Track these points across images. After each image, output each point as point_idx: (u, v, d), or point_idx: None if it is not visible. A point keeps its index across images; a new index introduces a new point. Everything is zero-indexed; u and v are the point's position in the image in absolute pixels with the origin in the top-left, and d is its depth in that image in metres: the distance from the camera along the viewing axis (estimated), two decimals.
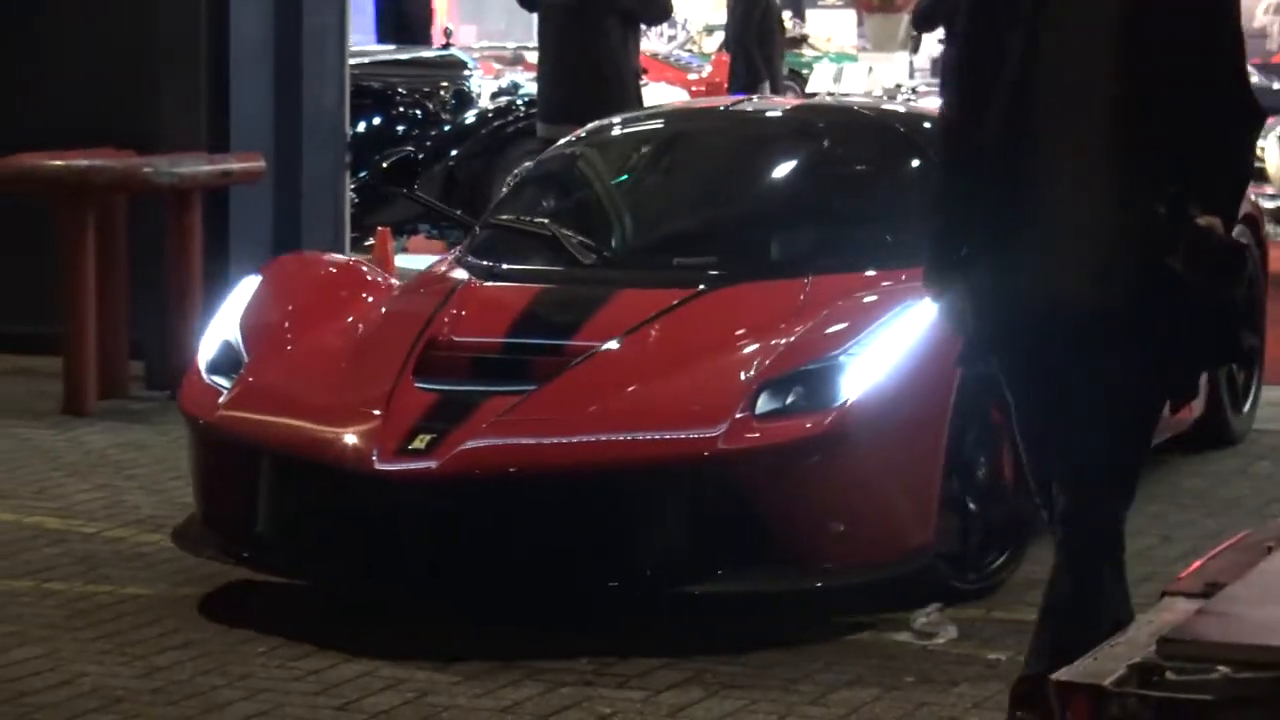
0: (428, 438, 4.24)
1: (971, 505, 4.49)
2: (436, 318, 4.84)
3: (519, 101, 11.30)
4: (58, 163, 6.95)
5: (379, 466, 4.22)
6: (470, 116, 11.09)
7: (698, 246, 5.28)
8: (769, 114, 6.47)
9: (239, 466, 4.57)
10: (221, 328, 5.04)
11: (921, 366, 4.27)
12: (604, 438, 4.26)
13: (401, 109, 10.71)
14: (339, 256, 5.86)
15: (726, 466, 4.15)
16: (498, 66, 17.21)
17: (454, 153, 10.72)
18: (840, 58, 20.10)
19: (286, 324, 5.07)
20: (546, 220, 5.39)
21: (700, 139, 6.10)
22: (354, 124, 8.84)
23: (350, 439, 4.34)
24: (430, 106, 10.82)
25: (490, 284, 5.16)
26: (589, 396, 4.41)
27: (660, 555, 4.23)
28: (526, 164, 6.88)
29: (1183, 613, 2.58)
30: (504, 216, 5.61)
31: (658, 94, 15.75)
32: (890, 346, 4.29)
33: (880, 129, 5.99)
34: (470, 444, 4.23)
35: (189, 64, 7.71)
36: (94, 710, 3.70)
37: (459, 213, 6.94)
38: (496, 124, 11.05)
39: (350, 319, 5.03)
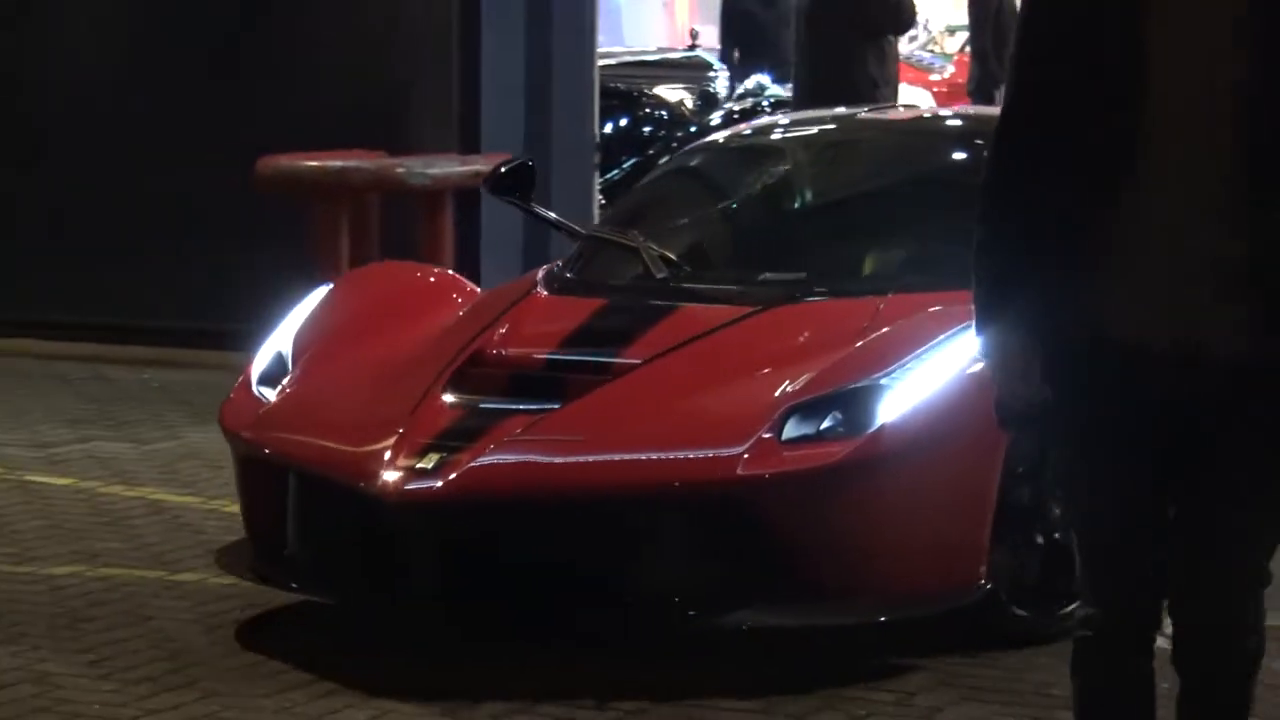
0: (437, 457, 4.10)
1: (1043, 541, 4.21)
2: (489, 330, 4.71)
3: (764, 103, 11.44)
4: (314, 163, 7.19)
5: (382, 486, 4.09)
6: (715, 117, 11.12)
7: (778, 261, 5.03)
8: (879, 128, 6.09)
9: (270, 483, 4.47)
10: (278, 338, 4.94)
11: (975, 389, 3.84)
12: (616, 458, 4.06)
13: (648, 110, 10.87)
14: (428, 266, 5.75)
15: (744, 493, 3.91)
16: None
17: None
18: None
19: (342, 335, 4.96)
20: (633, 232, 5.18)
21: (804, 152, 5.82)
22: (601, 125, 8.99)
23: (364, 456, 4.22)
24: (676, 108, 10.94)
25: (558, 296, 4.98)
26: (610, 416, 4.22)
27: (666, 586, 4.03)
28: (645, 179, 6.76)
29: None
30: (601, 227, 5.51)
31: (900, 95, 15.85)
32: (940, 368, 4.02)
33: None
34: (476, 464, 4.07)
35: (441, 67, 7.94)
36: None
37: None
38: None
39: (416, 331, 4.90)
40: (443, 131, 7.93)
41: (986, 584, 3.99)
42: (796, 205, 5.59)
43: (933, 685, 3.81)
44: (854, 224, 5.35)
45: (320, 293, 5.19)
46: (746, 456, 3.87)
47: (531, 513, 4.08)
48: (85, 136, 8.70)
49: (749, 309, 4.58)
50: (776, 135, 6.07)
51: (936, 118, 6.15)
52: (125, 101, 8.74)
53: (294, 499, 4.37)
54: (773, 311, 4.56)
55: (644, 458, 4.07)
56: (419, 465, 4.06)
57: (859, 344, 4.21)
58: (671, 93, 11.13)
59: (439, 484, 4.01)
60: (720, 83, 11.95)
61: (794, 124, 6.23)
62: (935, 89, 21.80)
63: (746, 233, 5.48)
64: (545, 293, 4.97)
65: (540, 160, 7.61)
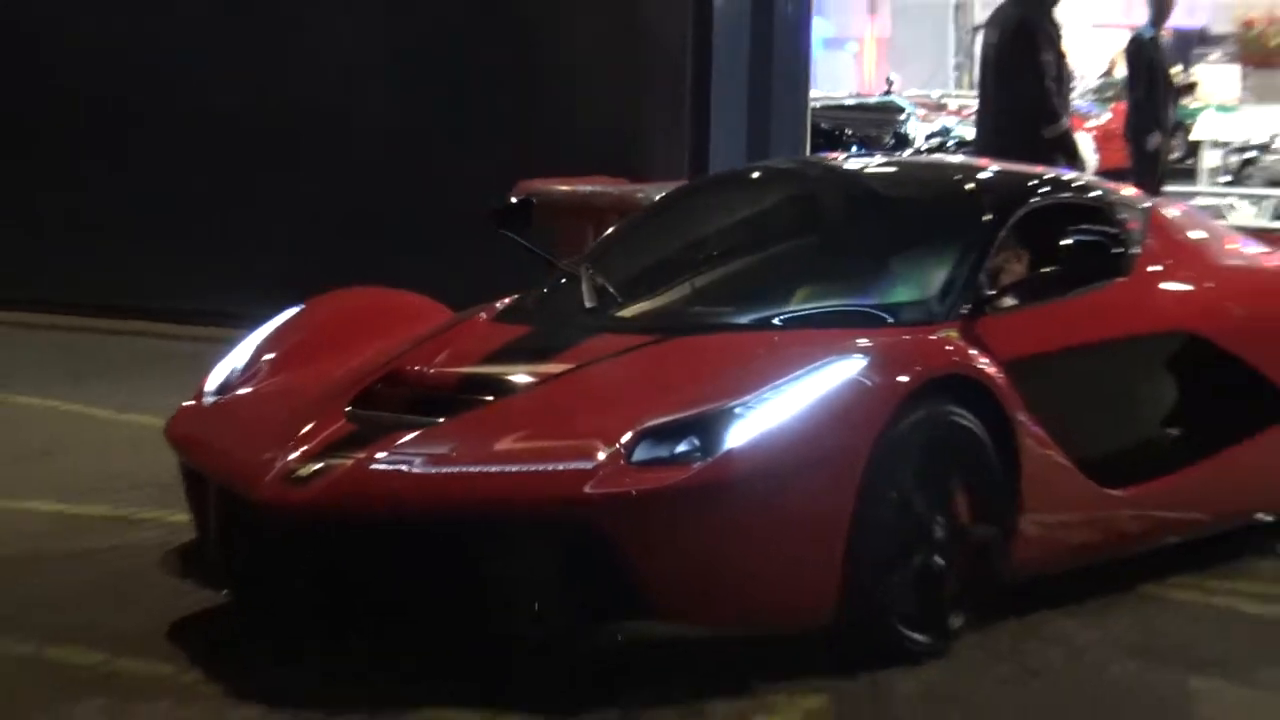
0: (316, 466, 4.21)
1: (932, 562, 4.25)
2: (414, 351, 4.86)
3: (950, 143, 12.25)
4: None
5: (260, 492, 4.20)
6: (908, 154, 12.23)
7: (705, 297, 5.18)
8: (821, 180, 6.07)
9: (195, 488, 4.64)
10: (237, 352, 5.12)
11: (829, 419, 4.05)
12: (472, 472, 4.10)
13: (849, 148, 11.84)
14: (401, 292, 5.78)
15: (589, 511, 3.92)
16: (922, 112, 18.46)
17: None
18: (1223, 109, 20.93)
19: (290, 354, 5.09)
20: (585, 265, 5.37)
21: (749, 198, 5.99)
22: None
23: (256, 464, 4.29)
24: (873, 146, 11.76)
25: (493, 322, 5.17)
26: (481, 434, 4.27)
27: (533, 599, 4.04)
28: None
29: None
30: (564, 260, 5.68)
31: None
32: (797, 398, 4.06)
33: (901, 188, 5.81)
34: (345, 474, 4.15)
35: (676, 107, 8.81)
36: None
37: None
38: None
39: (359, 351, 4.99)
40: (675, 162, 8.70)
41: (838, 605, 4.02)
42: (727, 247, 5.65)
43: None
44: (773, 267, 5.48)
45: (287, 313, 5.38)
46: (594, 475, 3.92)
47: (395, 527, 4.13)
48: (359, 157, 9.67)
49: (648, 339, 4.68)
50: (734, 184, 6.29)
51: (871, 172, 6.11)
52: (399, 127, 9.72)
53: (211, 504, 4.50)
54: (670, 342, 4.66)
55: (498, 472, 4.10)
56: (299, 474, 4.17)
57: (723, 373, 4.31)
58: (869, 131, 12.00)
59: (308, 492, 4.11)
60: (912, 123, 12.77)
61: (752, 174, 6.40)
62: (1093, 133, 22.41)
63: (682, 269, 5.49)
64: (485, 318, 5.18)
65: None
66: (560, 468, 4.02)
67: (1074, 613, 4.85)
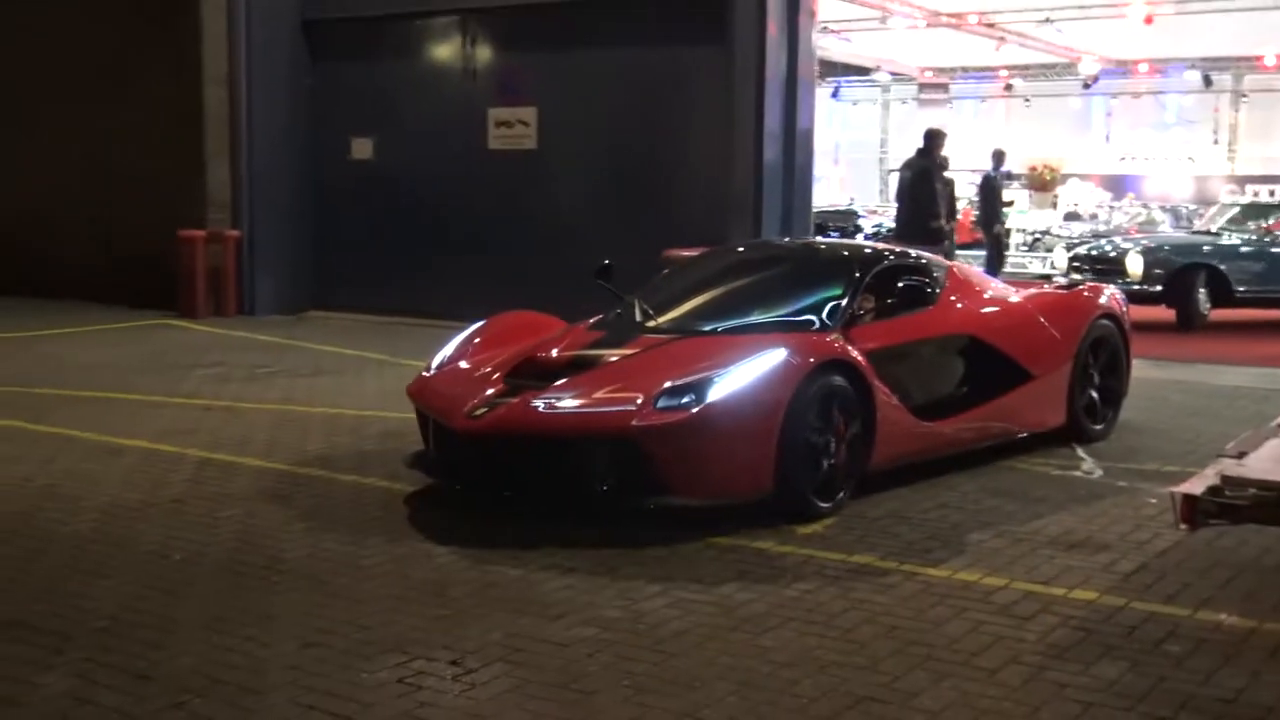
0: (483, 410, 6.49)
1: (825, 462, 6.51)
2: (544, 345, 7.14)
3: (882, 230, 17.12)
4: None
5: (455, 423, 6.54)
6: (860, 237, 16.93)
7: (708, 316, 7.46)
8: (770, 249, 9.26)
9: (423, 420, 7.09)
10: (448, 345, 7.48)
11: (763, 381, 6.28)
12: (572, 412, 6.29)
13: (826, 232, 16.59)
14: (541, 314, 7.90)
15: (635, 434, 6.09)
16: (865, 215, 23.50)
17: None
18: (1021, 212, 30.87)
19: (476, 347, 7.36)
20: (637, 296, 7.78)
21: (737, 260, 8.73)
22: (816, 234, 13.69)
23: (452, 409, 6.61)
24: (842, 233, 16.66)
25: (589, 329, 7.48)
26: (574, 390, 6.43)
27: (603, 481, 6.25)
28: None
29: (1231, 464, 5.05)
30: (629, 294, 7.89)
31: None
32: (745, 370, 6.28)
33: (813, 256, 8.44)
34: (498, 414, 6.39)
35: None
36: None
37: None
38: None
39: (514, 347, 7.18)
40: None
41: (774, 487, 6.28)
42: (718, 287, 8.00)
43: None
44: (742, 298, 7.81)
45: (477, 324, 7.73)
46: (636, 414, 6.14)
47: (529, 440, 6.34)
48: (553, 227, 13.84)
49: (669, 338, 7.07)
50: (729, 251, 9.16)
51: (799, 247, 9.23)
52: (582, 206, 13.82)
53: (431, 430, 6.96)
54: (682, 340, 7.01)
55: (585, 411, 6.28)
56: (475, 413, 6.49)
57: (708, 357, 6.49)
58: (840, 224, 17.04)
59: (481, 423, 6.42)
60: (861, 221, 18.01)
61: (739, 247, 9.52)
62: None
63: (692, 299, 7.79)
64: (583, 327, 7.54)
65: None
66: (618, 410, 6.20)
67: (954, 475, 7.50)
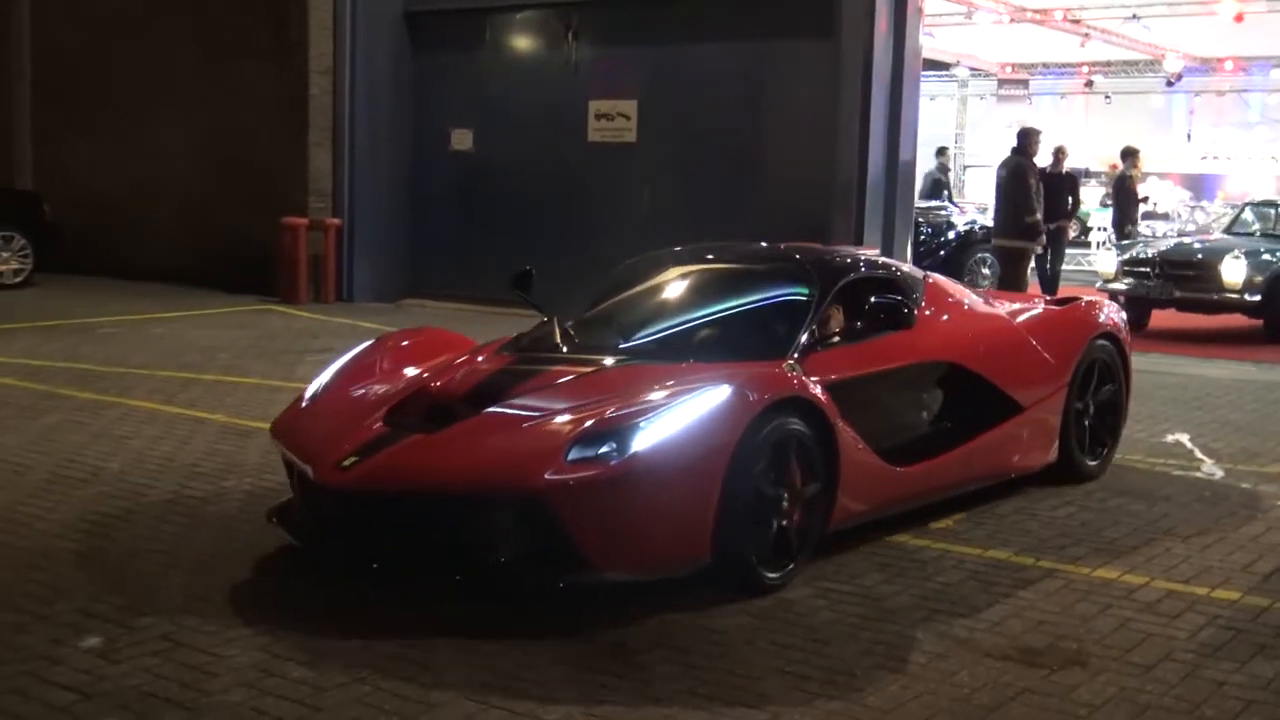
0: (353, 459, 5.22)
1: (777, 523, 5.30)
2: (438, 374, 5.92)
3: (976, 227, 16.97)
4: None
5: (318, 476, 5.24)
6: (952, 234, 16.92)
7: (626, 339, 6.29)
8: (710, 256, 7.19)
9: (288, 467, 5.71)
10: (327, 371, 6.22)
11: (700, 429, 5.04)
12: (455, 468, 5.02)
13: (929, 229, 16.51)
14: (447, 332, 6.81)
15: (540, 495, 4.83)
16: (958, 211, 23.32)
17: (942, 253, 16.55)
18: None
19: (363, 372, 6.11)
20: (558, 316, 6.49)
21: (671, 272, 6.98)
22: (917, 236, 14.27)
23: (319, 456, 5.31)
24: (934, 230, 16.65)
25: (496, 354, 6.18)
26: (466, 437, 5.20)
27: (500, 552, 5.00)
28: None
29: None
30: (550, 312, 6.59)
31: None
32: (679, 415, 5.03)
33: (769, 266, 6.88)
34: (370, 467, 5.14)
35: (846, 205, 12.60)
36: None
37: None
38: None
39: (403, 374, 6.02)
40: (845, 234, 12.30)
41: (713, 556, 5.06)
42: (649, 304, 6.76)
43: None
44: (676, 317, 6.54)
45: (367, 344, 6.51)
46: (542, 467, 4.86)
47: (408, 500, 5.08)
48: (643, 221, 13.82)
49: (591, 368, 5.78)
50: (660, 260, 7.09)
51: (745, 255, 7.18)
52: (673, 205, 13.78)
53: (296, 479, 5.59)
54: (606, 372, 5.75)
55: (477, 465, 5.01)
56: (343, 463, 5.21)
57: (633, 395, 5.24)
58: (933, 220, 16.94)
59: (347, 476, 5.16)
60: (955, 216, 17.85)
61: (673, 254, 7.14)
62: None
63: (621, 319, 6.63)
64: (490, 352, 6.24)
65: (886, 250, 12.35)
66: (518, 462, 4.97)
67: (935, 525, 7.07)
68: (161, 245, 17.15)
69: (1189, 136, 42.02)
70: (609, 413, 5.12)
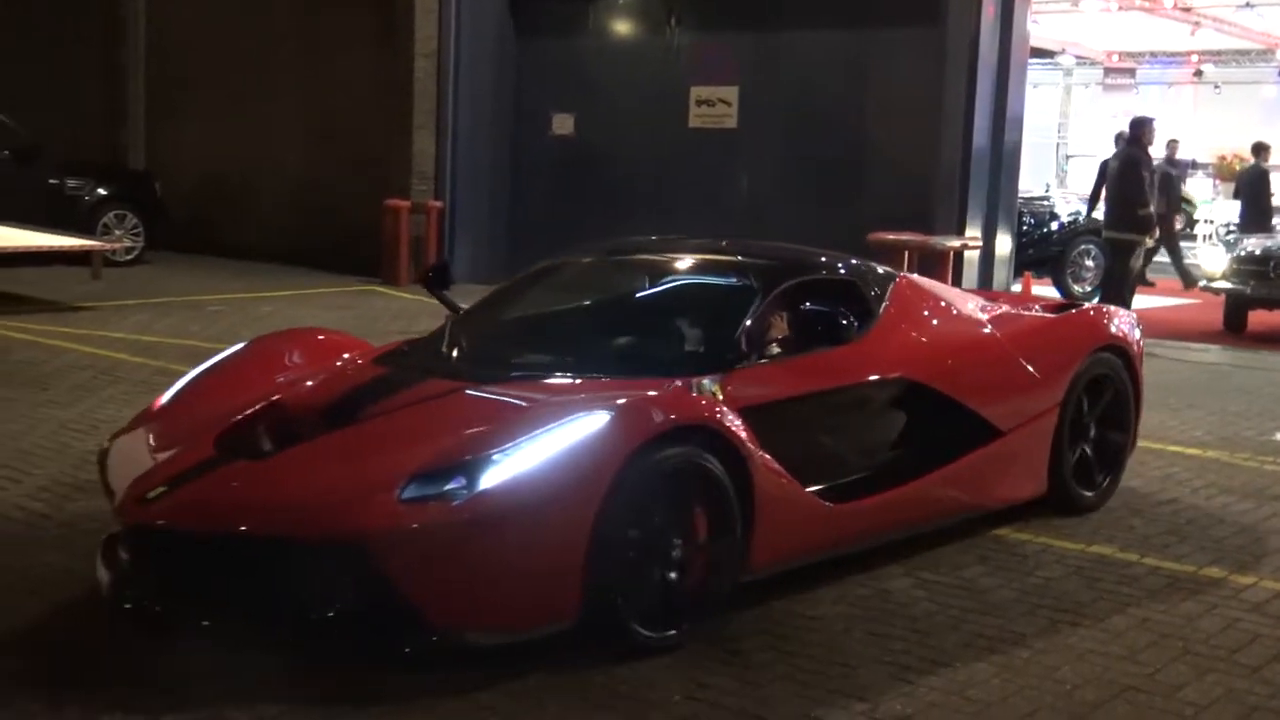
0: (161, 490, 4.38)
1: (666, 575, 4.48)
2: (295, 386, 5.13)
3: (1079, 219, 16.69)
4: (892, 237, 11.86)
5: (120, 508, 4.46)
6: (1055, 225, 16.55)
7: (513, 351, 5.45)
8: (637, 256, 6.41)
9: (110, 498, 4.66)
10: (184, 379, 5.40)
11: (568, 463, 4.21)
12: (283, 501, 4.22)
13: (1031, 220, 16.14)
14: (326, 333, 6.04)
15: (365, 541, 4.03)
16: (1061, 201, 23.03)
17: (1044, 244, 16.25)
18: (1204, 204, 28.78)
19: (219, 382, 5.28)
20: (452, 320, 5.63)
21: (579, 278, 6.36)
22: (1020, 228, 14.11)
23: (130, 483, 4.48)
24: (1036, 219, 16.33)
25: (371, 363, 5.39)
26: (288, 468, 4.41)
27: (328, 606, 4.12)
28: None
29: None
30: (451, 315, 5.77)
31: None
32: (543, 447, 4.22)
33: (700, 267, 6.07)
34: (178, 502, 4.33)
35: (950, 193, 12.52)
36: None
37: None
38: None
39: (269, 385, 5.16)
40: (949, 225, 12.33)
41: (580, 614, 4.23)
42: (549, 314, 6.07)
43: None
44: (590, 330, 5.79)
45: (235, 348, 5.73)
46: (369, 510, 4.07)
47: (221, 542, 4.21)
48: (744, 211, 13.88)
49: (460, 385, 4.86)
50: (570, 267, 6.34)
51: (666, 258, 6.24)
52: (782, 194, 13.72)
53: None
54: (473, 390, 4.81)
55: (299, 505, 4.19)
56: (149, 496, 4.38)
57: (496, 421, 4.43)
58: (1036, 209, 16.66)
59: (149, 512, 4.34)
60: (1058, 207, 17.51)
61: (584, 259, 6.40)
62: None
63: (516, 329, 5.91)
64: (363, 361, 5.45)
65: (988, 237, 12.61)
66: (344, 503, 4.15)
67: (1180, 471, 8.16)
68: (268, 225, 17.40)
69: None
70: (460, 443, 4.34)
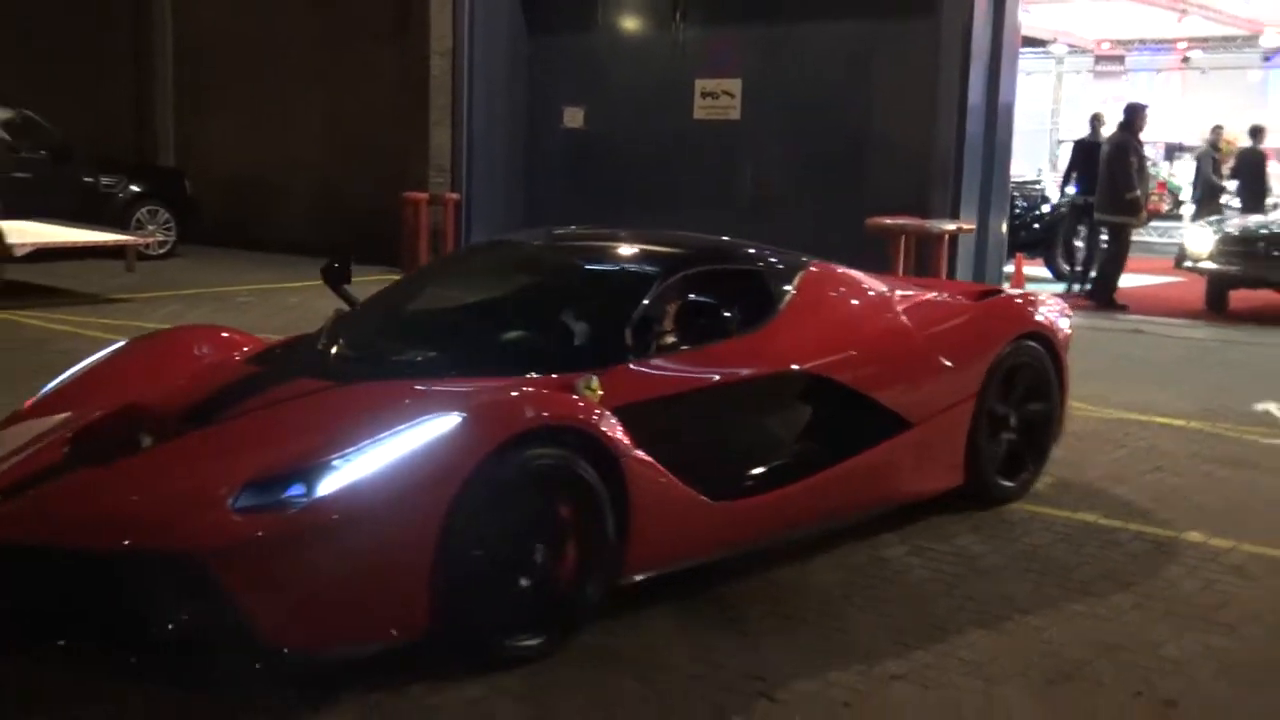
0: None
1: (526, 581, 4.10)
2: (160, 387, 4.65)
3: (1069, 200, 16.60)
4: (889, 221, 11.77)
5: None
6: (1046, 208, 16.51)
7: (388, 353, 4.94)
8: (536, 247, 5.98)
9: None
10: (64, 375, 4.94)
11: (414, 468, 3.86)
12: (112, 510, 3.84)
13: (1024, 203, 16.09)
14: (218, 330, 5.43)
15: (195, 552, 3.66)
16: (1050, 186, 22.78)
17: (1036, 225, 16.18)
18: None
19: (94, 382, 4.84)
20: (334, 317, 5.28)
21: (487, 264, 5.91)
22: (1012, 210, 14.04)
23: None
24: (1029, 202, 16.30)
25: (245, 362, 4.97)
26: (144, 469, 4.04)
27: (170, 618, 3.72)
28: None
29: None
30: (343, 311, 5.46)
31: None
32: (387, 452, 3.86)
33: (592, 259, 5.62)
34: (13, 507, 3.95)
35: (945, 178, 12.45)
36: None
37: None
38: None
39: (141, 386, 4.70)
40: (943, 210, 12.30)
41: (431, 624, 3.86)
42: (451, 306, 5.46)
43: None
44: (472, 326, 5.23)
45: (113, 346, 5.23)
46: (200, 519, 3.70)
47: (47, 552, 3.80)
48: (753, 203, 13.99)
49: (327, 385, 4.45)
50: (464, 259, 5.99)
51: (554, 250, 5.84)
52: (793, 186, 13.86)
53: None
54: (335, 390, 4.40)
55: (126, 516, 3.80)
56: None
57: (342, 425, 4.01)
58: (1028, 193, 16.61)
59: None
60: (1049, 190, 17.44)
61: (476, 251, 6.00)
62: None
63: (401, 324, 5.34)
64: (237, 359, 4.99)
65: (983, 222, 12.60)
66: (177, 511, 3.77)
67: (1165, 443, 8.54)
68: (293, 218, 17.48)
69: None
70: (302, 448, 3.93)
